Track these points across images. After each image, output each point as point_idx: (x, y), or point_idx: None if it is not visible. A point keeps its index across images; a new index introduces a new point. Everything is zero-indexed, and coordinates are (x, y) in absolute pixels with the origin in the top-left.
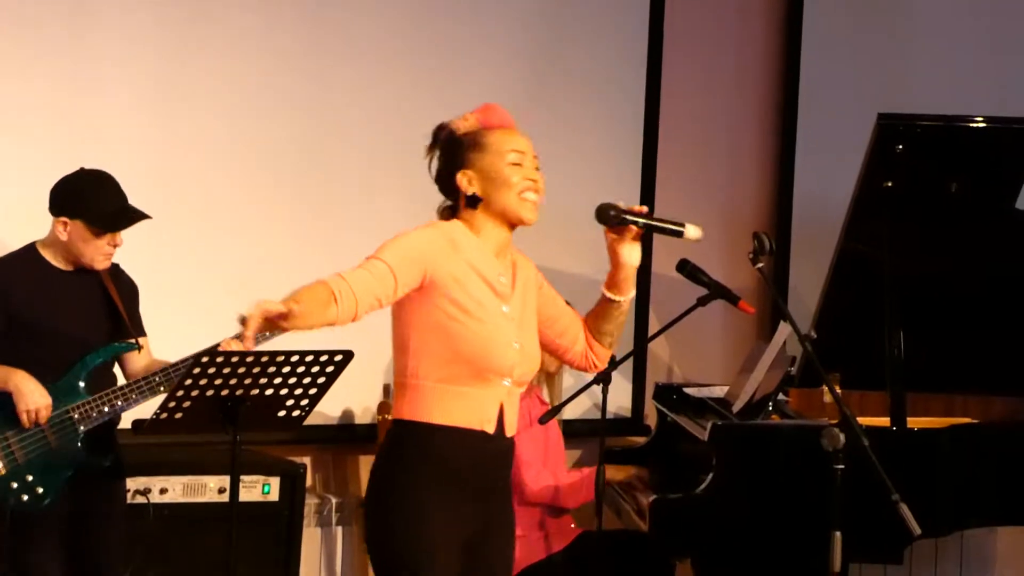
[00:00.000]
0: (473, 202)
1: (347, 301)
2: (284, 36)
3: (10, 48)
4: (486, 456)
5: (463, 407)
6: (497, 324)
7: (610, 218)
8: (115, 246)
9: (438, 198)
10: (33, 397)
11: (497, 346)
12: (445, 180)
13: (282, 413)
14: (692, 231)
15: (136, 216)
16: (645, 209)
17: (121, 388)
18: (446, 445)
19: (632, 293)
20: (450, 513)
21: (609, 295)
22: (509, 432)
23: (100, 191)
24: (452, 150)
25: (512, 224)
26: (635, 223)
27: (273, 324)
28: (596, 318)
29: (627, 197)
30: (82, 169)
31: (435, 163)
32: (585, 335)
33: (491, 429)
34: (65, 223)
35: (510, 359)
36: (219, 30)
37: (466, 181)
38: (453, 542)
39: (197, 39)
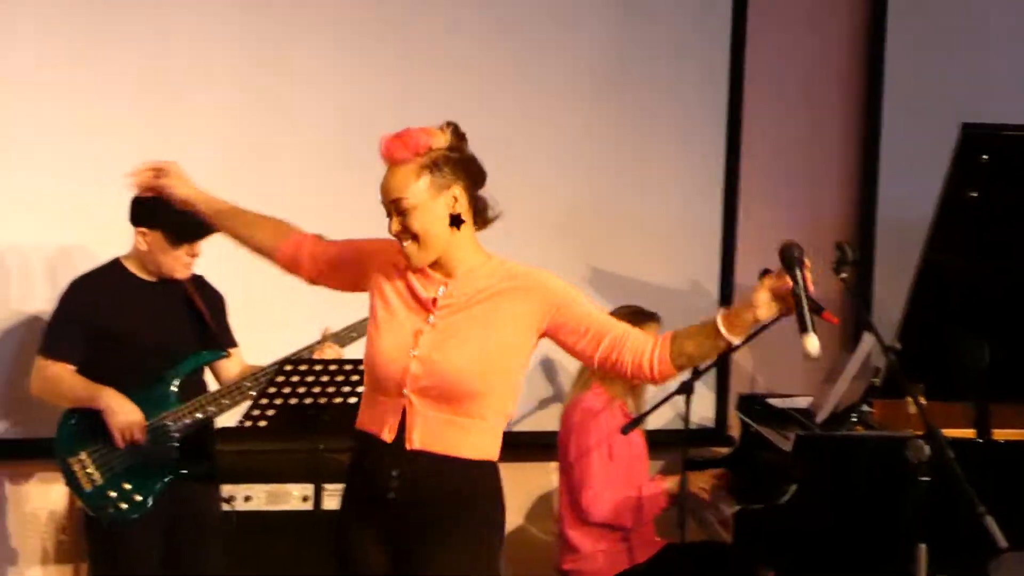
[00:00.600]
0: (456, 222)
1: (309, 250)
2: (372, 42)
3: (99, 53)
4: (383, 463)
5: (371, 413)
6: (397, 334)
7: (790, 259)
8: (194, 256)
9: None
10: (126, 417)
11: (388, 355)
12: None
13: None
14: (811, 342)
15: (209, 228)
16: (812, 287)
17: (212, 394)
18: (359, 447)
19: (738, 340)
20: (358, 525)
21: (723, 330)
22: (411, 444)
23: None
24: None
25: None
26: (794, 279)
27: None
28: (691, 338)
29: (710, 209)
30: None
31: None
32: (655, 344)
33: (388, 438)
34: (144, 233)
35: (398, 369)
36: (308, 37)
37: (453, 201)
38: (361, 546)
39: (284, 45)
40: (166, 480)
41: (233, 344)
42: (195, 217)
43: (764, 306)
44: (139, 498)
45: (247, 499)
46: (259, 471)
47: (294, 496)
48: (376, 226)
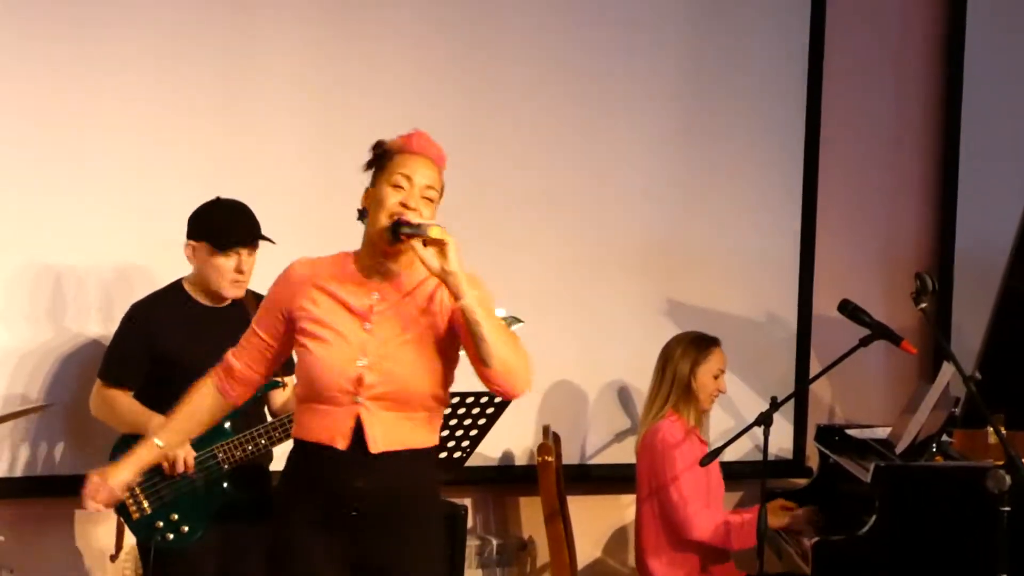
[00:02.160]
0: (363, 216)
1: (229, 378)
2: (439, 57)
3: (170, 82)
4: (337, 469)
5: (317, 423)
6: (343, 346)
7: (395, 229)
8: (241, 272)
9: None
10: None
11: (334, 365)
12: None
13: (443, 455)
14: (435, 231)
15: (253, 236)
16: (411, 218)
17: (265, 427)
18: (303, 458)
19: (465, 298)
20: (314, 533)
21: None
22: (372, 448)
23: (226, 214)
24: (375, 165)
25: (378, 245)
26: (400, 235)
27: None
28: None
29: (787, 241)
30: (217, 198)
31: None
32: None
33: (342, 445)
34: (192, 247)
35: (348, 377)
36: (373, 70)
37: (364, 197)
38: (314, 559)
39: (352, 79)
40: (214, 511)
41: (289, 373)
42: (236, 225)
43: (425, 262)
44: (186, 529)
45: None
46: None
47: None
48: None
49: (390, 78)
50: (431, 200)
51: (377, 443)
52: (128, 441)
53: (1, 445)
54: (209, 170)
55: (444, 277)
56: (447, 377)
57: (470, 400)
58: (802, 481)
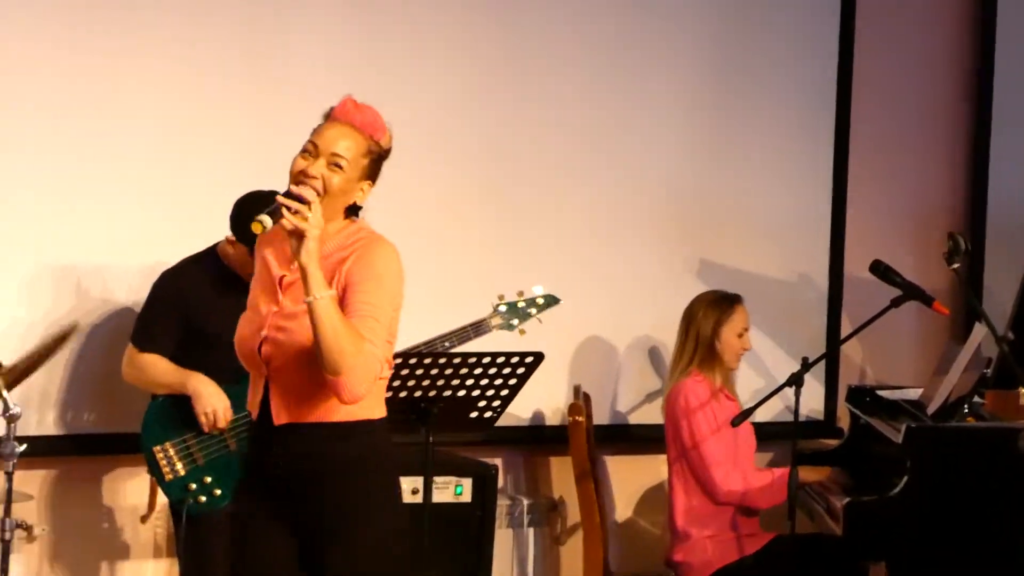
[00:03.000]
0: None
1: None
2: (486, 45)
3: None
4: (256, 438)
5: (250, 394)
6: (252, 316)
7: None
8: None
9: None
10: (211, 400)
11: (242, 337)
12: None
13: (474, 414)
14: (265, 218)
15: None
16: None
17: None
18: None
19: (308, 295)
20: (255, 500)
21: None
22: (276, 420)
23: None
24: None
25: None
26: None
27: None
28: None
29: (819, 201)
30: (255, 191)
31: None
32: None
33: (254, 416)
34: (232, 243)
35: (253, 348)
36: (406, 50)
37: None
38: (277, 538)
39: (387, 57)
40: None
41: None
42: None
43: (298, 254)
44: (218, 492)
45: None
46: None
47: (404, 489)
48: None
49: (421, 56)
50: (338, 167)
51: (280, 415)
52: (159, 404)
53: (33, 404)
54: (238, 159)
55: (300, 267)
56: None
57: (500, 360)
58: (833, 442)
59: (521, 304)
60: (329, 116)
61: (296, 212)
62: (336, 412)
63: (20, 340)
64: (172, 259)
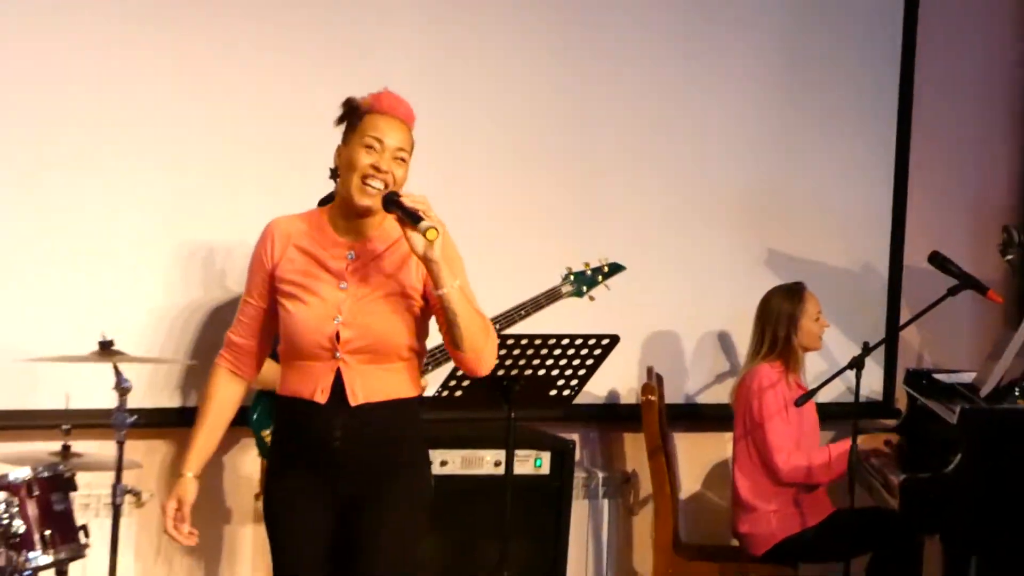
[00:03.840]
0: (335, 175)
1: (243, 362)
2: (565, 41)
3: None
4: (319, 424)
5: (298, 378)
6: (319, 304)
7: (388, 203)
8: None
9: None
10: None
11: (312, 324)
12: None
13: (553, 392)
14: (424, 225)
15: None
16: (409, 204)
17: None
18: (287, 412)
19: (444, 287)
20: (300, 479)
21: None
22: (352, 401)
23: None
24: (345, 124)
25: (355, 208)
26: (396, 211)
27: None
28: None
29: (880, 194)
30: None
31: None
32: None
33: (322, 399)
34: None
35: (326, 334)
36: (472, 39)
37: (336, 155)
38: (311, 510)
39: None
40: None
41: None
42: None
43: (410, 243)
44: None
45: (443, 464)
46: (455, 438)
47: (487, 461)
48: None
49: (504, 50)
50: (403, 160)
51: (356, 396)
52: (262, 397)
53: (146, 380)
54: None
55: (427, 264)
56: (421, 329)
57: (579, 342)
58: (891, 422)
59: (588, 272)
60: (372, 108)
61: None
62: (397, 390)
63: (156, 328)
64: None
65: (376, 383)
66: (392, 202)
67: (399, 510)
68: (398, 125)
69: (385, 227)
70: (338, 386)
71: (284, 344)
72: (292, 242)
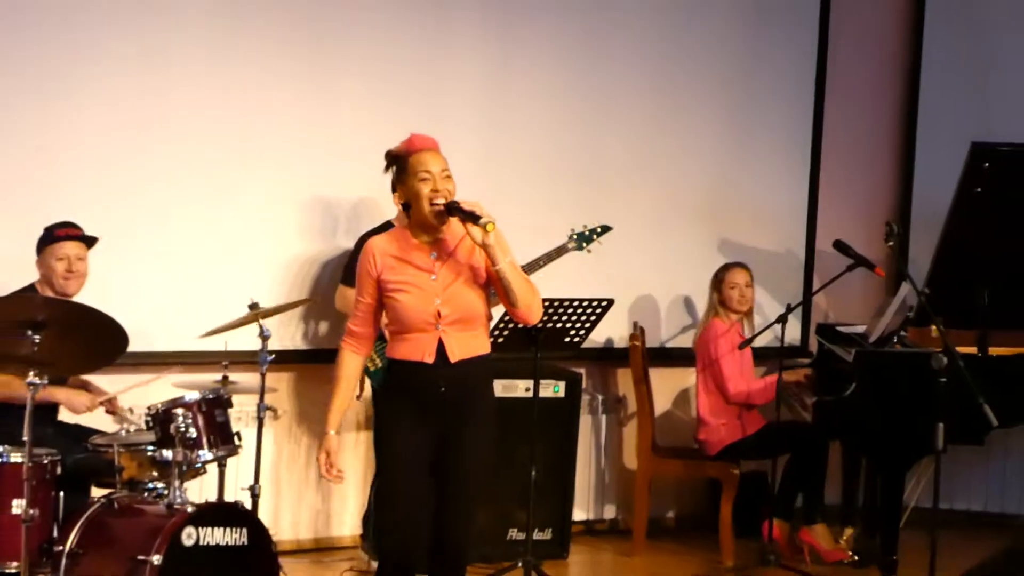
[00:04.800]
0: (407, 207)
1: (363, 345)
2: (569, 40)
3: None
4: (427, 377)
5: (408, 347)
6: (420, 291)
7: (452, 210)
8: None
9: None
10: None
11: (419, 307)
12: (392, 191)
13: (567, 339)
14: (484, 220)
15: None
16: (466, 208)
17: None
18: (400, 371)
19: (499, 264)
20: (408, 417)
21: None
22: (452, 359)
23: None
24: (395, 171)
25: (429, 225)
26: (459, 216)
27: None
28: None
29: (797, 194)
30: None
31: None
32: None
33: (430, 360)
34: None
35: (431, 313)
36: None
37: (396, 197)
38: (417, 437)
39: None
40: None
41: None
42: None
43: (472, 237)
44: None
45: None
46: (497, 371)
47: (519, 387)
48: None
49: (526, 57)
50: (448, 176)
51: (455, 354)
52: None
53: (283, 327)
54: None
55: (485, 249)
56: (487, 301)
57: (585, 303)
58: (805, 360)
59: (586, 232)
60: (411, 150)
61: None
62: (480, 348)
63: (284, 280)
64: (367, 218)
65: (467, 345)
66: (454, 209)
67: (482, 433)
68: (434, 154)
69: (449, 229)
70: (440, 349)
71: (395, 324)
72: (390, 254)
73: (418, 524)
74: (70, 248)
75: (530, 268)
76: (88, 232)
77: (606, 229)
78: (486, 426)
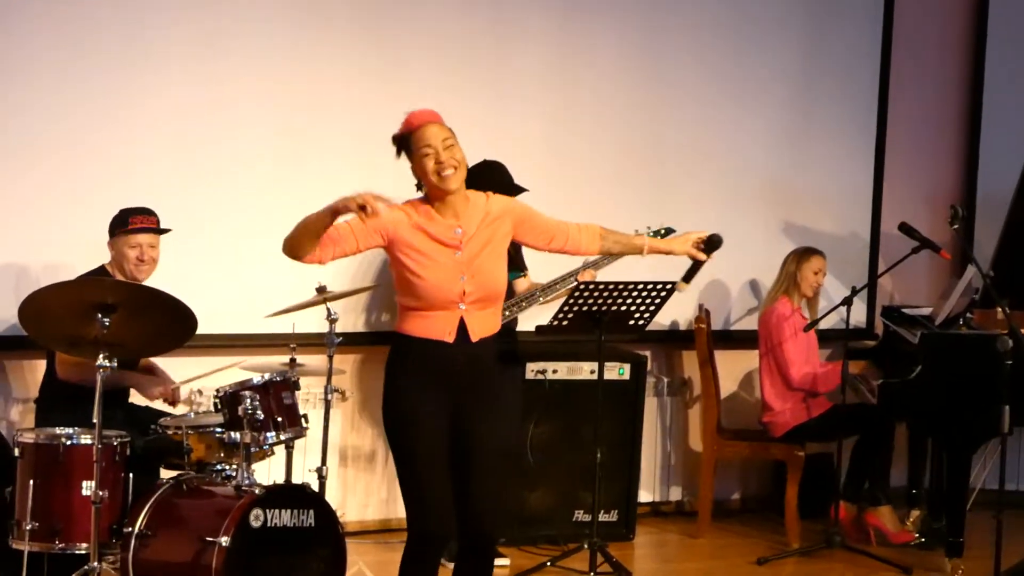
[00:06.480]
0: (421, 187)
1: (325, 246)
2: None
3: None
4: (447, 355)
5: (427, 324)
6: (445, 269)
7: (714, 244)
8: None
9: None
10: None
11: (443, 284)
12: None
13: (631, 321)
14: (683, 286)
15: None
16: (707, 262)
17: (514, 300)
18: (417, 349)
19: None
20: (426, 395)
21: (644, 253)
22: (473, 338)
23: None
24: (404, 152)
25: (447, 193)
26: (707, 254)
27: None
28: (618, 244)
29: (862, 178)
30: (484, 161)
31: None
32: (590, 237)
33: (450, 339)
34: None
35: (456, 291)
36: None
37: (414, 174)
38: (436, 415)
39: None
40: None
41: (526, 269)
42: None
43: (678, 252)
44: None
45: (554, 372)
46: (562, 353)
47: (584, 369)
48: None
49: (600, 63)
50: (452, 144)
51: (476, 334)
52: None
53: (349, 312)
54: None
55: (668, 253)
56: (507, 280)
57: (650, 287)
58: (871, 343)
59: (650, 233)
60: (411, 128)
61: None
62: (495, 327)
63: (348, 267)
64: None
65: (486, 323)
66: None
67: (503, 408)
68: (435, 126)
69: (472, 204)
70: (461, 328)
71: (414, 301)
72: (413, 224)
73: (446, 503)
74: (143, 237)
75: (595, 266)
76: (158, 216)
77: (670, 231)
78: (507, 400)
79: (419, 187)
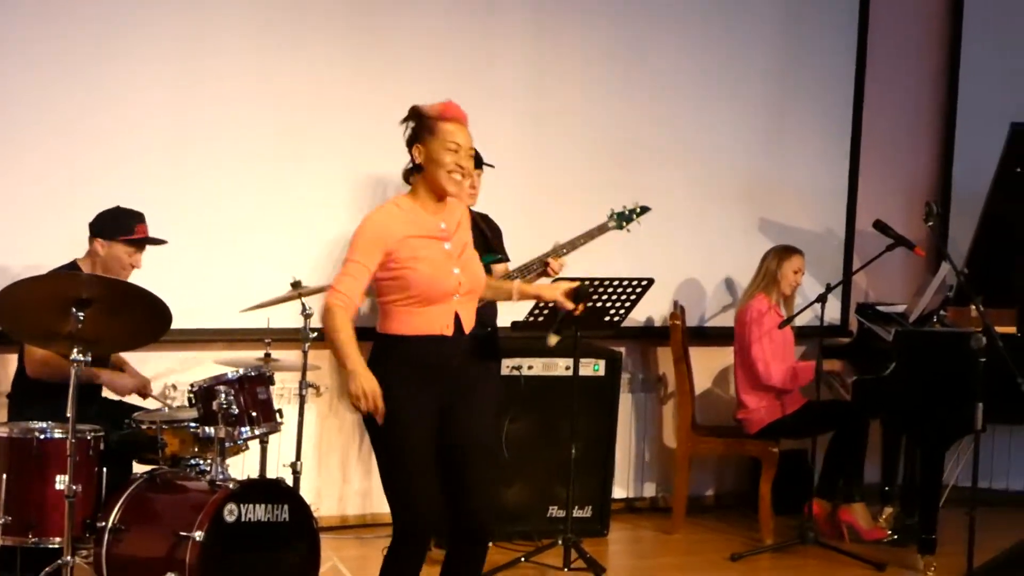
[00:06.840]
0: (419, 169)
1: (351, 308)
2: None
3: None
4: (445, 350)
5: (424, 320)
6: (439, 262)
7: (581, 294)
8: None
9: None
10: None
11: (440, 277)
12: (408, 146)
13: (607, 318)
14: (551, 339)
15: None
16: (575, 313)
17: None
18: (414, 346)
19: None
20: (416, 394)
21: (514, 296)
22: (467, 330)
23: None
24: (415, 127)
25: (444, 193)
26: (575, 304)
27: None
28: (490, 289)
29: (838, 176)
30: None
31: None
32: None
33: (448, 332)
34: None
35: (452, 283)
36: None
37: (416, 152)
38: (425, 414)
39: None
40: None
41: (507, 258)
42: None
43: (546, 298)
44: None
45: (530, 368)
46: (538, 349)
47: (560, 366)
48: None
49: (586, 64)
50: (471, 155)
51: (468, 325)
52: None
53: (321, 306)
54: None
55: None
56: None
57: (625, 283)
58: (845, 340)
59: (626, 212)
60: (444, 117)
61: None
62: (474, 319)
63: (327, 262)
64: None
65: (472, 315)
66: (584, 295)
67: (489, 401)
68: (465, 130)
69: (450, 206)
70: (456, 321)
71: (411, 297)
72: (399, 220)
73: (434, 500)
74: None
75: (570, 246)
76: (141, 214)
77: (645, 210)
78: (492, 395)
79: (408, 173)
